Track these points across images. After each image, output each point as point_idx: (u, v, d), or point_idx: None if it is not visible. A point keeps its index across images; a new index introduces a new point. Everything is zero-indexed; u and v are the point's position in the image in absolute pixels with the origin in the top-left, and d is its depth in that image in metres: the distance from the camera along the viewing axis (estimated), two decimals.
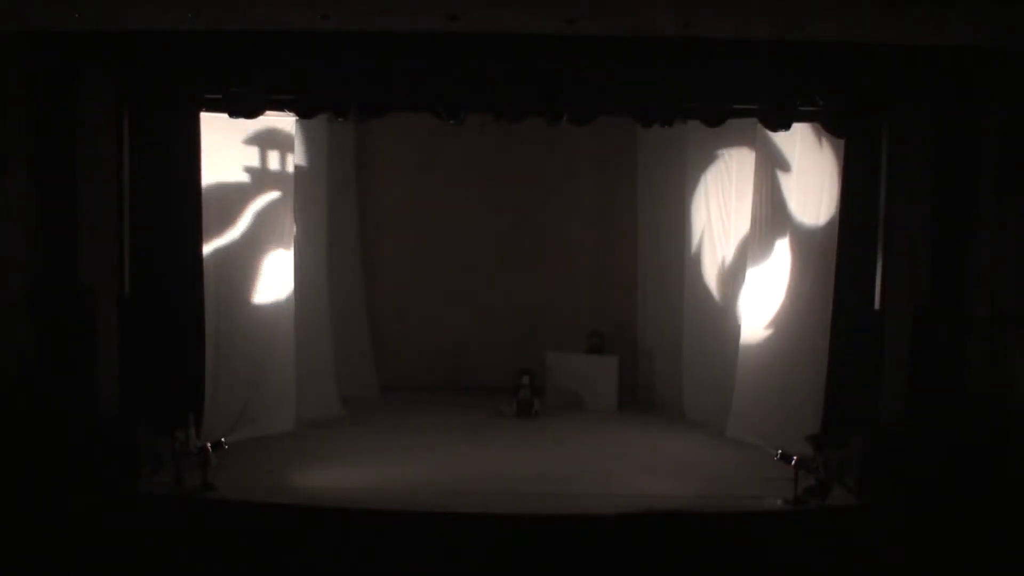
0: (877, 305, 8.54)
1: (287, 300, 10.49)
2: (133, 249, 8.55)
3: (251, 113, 8.75)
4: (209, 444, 8.35)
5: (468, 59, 8.24)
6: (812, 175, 9.50)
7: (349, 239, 12.13)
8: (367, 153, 12.37)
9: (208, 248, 9.35)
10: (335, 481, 8.67)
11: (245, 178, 10.09)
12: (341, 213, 11.95)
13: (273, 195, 10.33)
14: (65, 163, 8.25)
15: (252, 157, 10.15)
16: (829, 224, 9.15)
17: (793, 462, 8.14)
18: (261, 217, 10.23)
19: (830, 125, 8.68)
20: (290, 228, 10.54)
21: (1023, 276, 8.11)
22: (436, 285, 12.66)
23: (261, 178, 10.24)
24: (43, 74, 8.18)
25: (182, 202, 8.79)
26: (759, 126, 9.20)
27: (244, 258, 10.10)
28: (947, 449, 7.95)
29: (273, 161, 10.34)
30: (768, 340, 10.10)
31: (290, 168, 10.49)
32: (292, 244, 10.57)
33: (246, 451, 9.20)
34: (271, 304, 10.32)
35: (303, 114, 9.15)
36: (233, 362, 9.83)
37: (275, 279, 10.37)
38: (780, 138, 9.58)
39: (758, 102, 8.65)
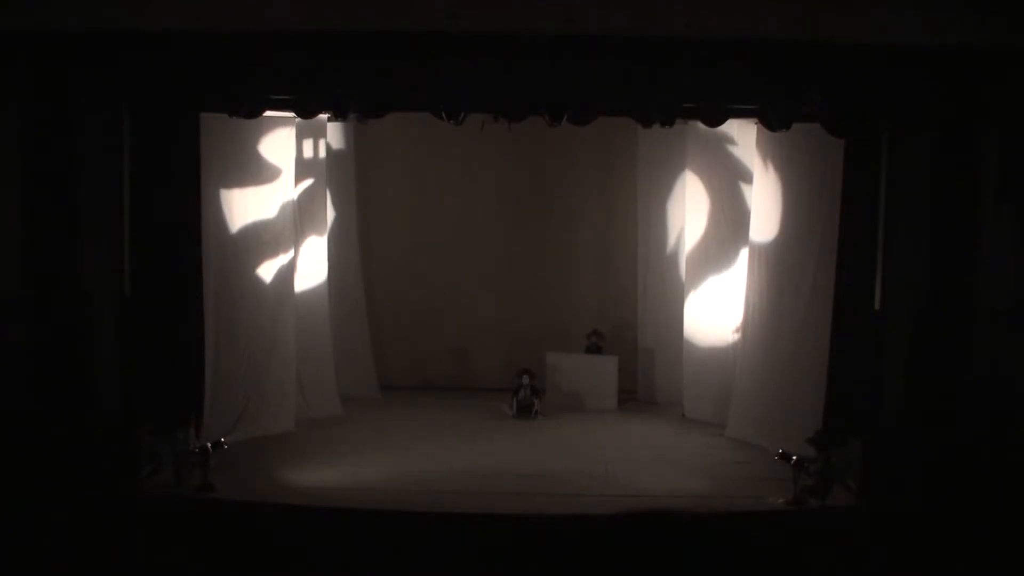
0: (877, 305, 8.54)
1: (287, 300, 10.49)
2: (133, 249, 8.55)
3: (251, 113, 8.75)
4: (209, 444, 8.35)
5: (468, 59, 8.24)
6: (811, 173, 9.50)
7: (349, 239, 12.13)
8: (367, 153, 12.36)
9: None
10: (335, 481, 8.67)
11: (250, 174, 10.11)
12: (341, 213, 11.95)
13: (273, 193, 10.33)
14: (65, 163, 8.25)
15: (251, 154, 10.15)
16: (828, 224, 9.15)
17: (793, 462, 8.14)
18: (262, 215, 10.24)
19: (830, 125, 8.68)
20: (291, 228, 10.55)
21: (1022, 276, 8.11)
22: (436, 285, 12.64)
23: (261, 170, 10.24)
24: (43, 73, 8.17)
25: (182, 202, 8.80)
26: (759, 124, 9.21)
27: (244, 258, 10.09)
28: (947, 449, 7.96)
29: (274, 156, 10.34)
30: (768, 340, 10.09)
31: (291, 166, 10.49)
32: (292, 244, 10.58)
33: (246, 451, 9.20)
34: (271, 304, 10.31)
35: (303, 114, 9.15)
36: (233, 362, 9.82)
37: (275, 279, 10.37)
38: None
39: (758, 102, 8.65)
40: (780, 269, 9.97)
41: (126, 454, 8.18)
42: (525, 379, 11.39)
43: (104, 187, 8.38)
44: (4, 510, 7.43)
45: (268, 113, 9.06)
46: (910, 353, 8.31)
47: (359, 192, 12.32)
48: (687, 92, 8.57)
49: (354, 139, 12.01)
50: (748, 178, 10.45)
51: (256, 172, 10.14)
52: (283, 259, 10.43)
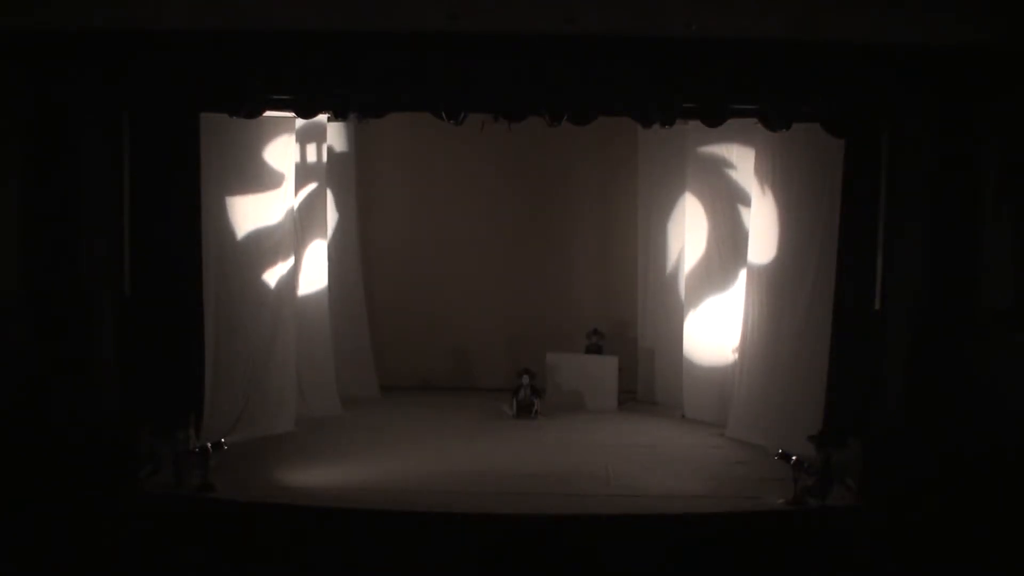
0: (877, 305, 8.55)
1: (288, 300, 10.49)
2: (133, 249, 8.55)
3: (251, 113, 8.75)
4: (209, 444, 8.35)
5: (468, 59, 8.25)
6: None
7: (350, 240, 12.13)
8: (367, 154, 12.36)
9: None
10: (335, 481, 8.66)
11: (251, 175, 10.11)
12: (341, 213, 11.96)
13: (274, 194, 10.32)
14: (65, 163, 8.25)
15: (252, 157, 10.15)
16: (827, 228, 9.14)
17: (793, 462, 8.14)
18: (263, 216, 10.23)
19: (830, 125, 8.68)
20: (292, 229, 10.54)
21: (1022, 276, 8.12)
22: (436, 285, 12.65)
23: (261, 175, 10.24)
24: (43, 74, 8.18)
25: (182, 202, 8.80)
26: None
27: (244, 258, 10.09)
28: (947, 449, 7.96)
29: (274, 160, 10.33)
30: (768, 341, 10.09)
31: (292, 168, 10.49)
32: (293, 245, 10.58)
33: (246, 451, 9.20)
34: (271, 304, 10.31)
35: (303, 114, 9.15)
36: (233, 362, 9.81)
37: (276, 280, 10.36)
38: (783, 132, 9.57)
39: (758, 102, 8.65)
40: (780, 280, 9.95)
41: (126, 454, 8.18)
42: (525, 379, 11.39)
43: (104, 187, 8.39)
44: (4, 510, 7.44)
45: (268, 113, 9.06)
46: (910, 353, 8.32)
47: (359, 193, 12.33)
48: (687, 92, 8.57)
49: (355, 141, 12.02)
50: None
51: (257, 175, 10.13)
52: (284, 260, 10.42)
